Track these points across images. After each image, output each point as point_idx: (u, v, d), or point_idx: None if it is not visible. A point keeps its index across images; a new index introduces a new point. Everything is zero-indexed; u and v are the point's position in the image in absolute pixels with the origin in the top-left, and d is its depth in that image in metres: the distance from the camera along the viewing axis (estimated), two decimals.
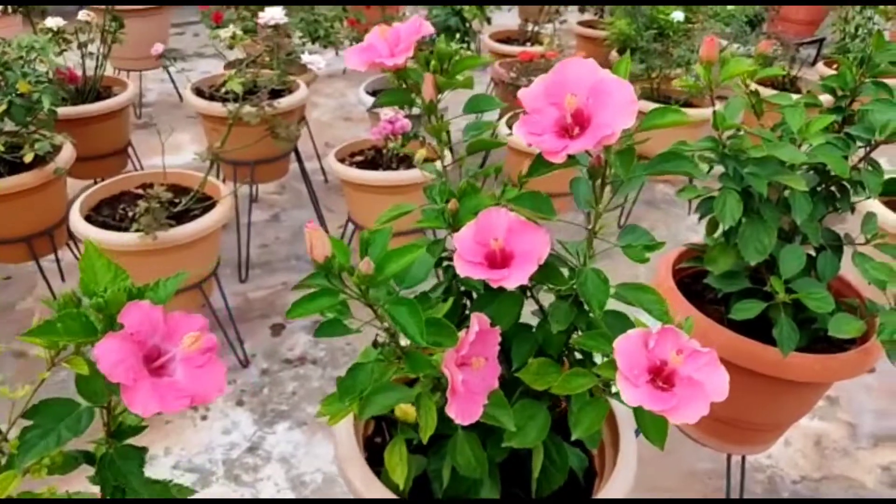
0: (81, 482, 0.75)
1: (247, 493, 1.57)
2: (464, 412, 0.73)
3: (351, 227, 2.14)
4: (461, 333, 0.72)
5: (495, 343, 0.79)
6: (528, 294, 0.90)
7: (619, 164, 0.70)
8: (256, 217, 2.63)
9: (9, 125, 1.86)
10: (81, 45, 2.34)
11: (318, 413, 0.86)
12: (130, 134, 2.51)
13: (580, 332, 0.85)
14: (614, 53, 2.86)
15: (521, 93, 0.70)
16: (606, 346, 0.76)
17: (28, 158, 1.75)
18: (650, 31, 2.42)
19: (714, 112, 1.10)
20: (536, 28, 3.32)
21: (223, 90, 1.84)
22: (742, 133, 1.12)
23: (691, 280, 1.44)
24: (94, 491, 0.72)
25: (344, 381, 0.73)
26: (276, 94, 2.07)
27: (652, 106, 1.65)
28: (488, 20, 2.58)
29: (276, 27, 1.65)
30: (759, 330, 1.20)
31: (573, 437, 0.78)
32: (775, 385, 1.24)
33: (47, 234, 1.91)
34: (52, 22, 2.27)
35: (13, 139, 1.81)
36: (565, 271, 0.84)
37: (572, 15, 3.79)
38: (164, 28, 3.46)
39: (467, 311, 0.93)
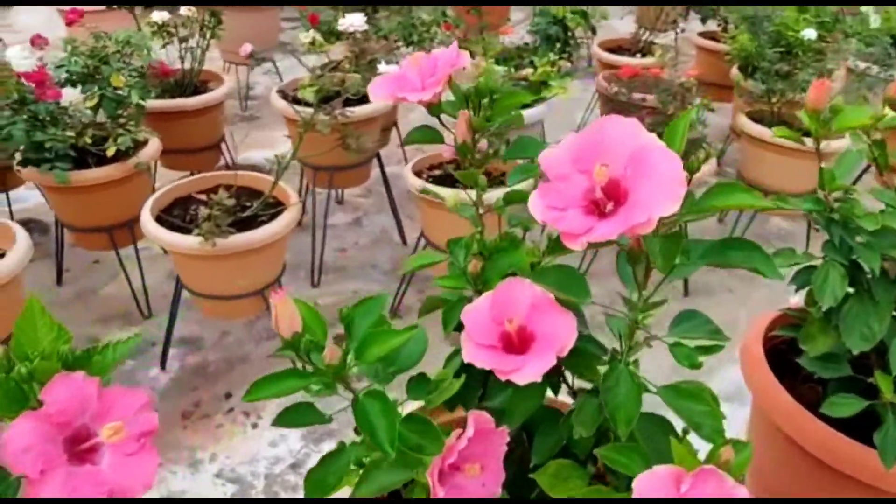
0: None
1: None
2: None
3: (423, 241, 2.05)
4: (452, 437, 0.61)
5: (500, 445, 0.66)
6: (560, 378, 0.76)
7: (658, 254, 0.55)
8: (339, 220, 2.60)
9: (101, 117, 1.91)
10: (182, 40, 2.39)
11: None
12: (233, 126, 2.54)
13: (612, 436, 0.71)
14: (735, 70, 2.60)
15: (542, 155, 0.57)
16: (638, 466, 0.62)
17: (110, 152, 1.78)
18: (775, 50, 2.16)
19: (820, 169, 0.91)
20: (651, 37, 3.09)
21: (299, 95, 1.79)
22: (854, 196, 0.92)
23: (787, 347, 1.24)
24: None
25: (313, 474, 0.63)
26: (358, 101, 2.00)
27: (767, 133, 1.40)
28: (593, 29, 2.40)
29: (354, 34, 1.58)
30: (862, 423, 1.00)
31: None
32: (878, 495, 1.03)
33: (127, 226, 1.95)
34: (158, 16, 2.33)
35: (100, 132, 1.85)
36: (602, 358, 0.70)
37: (695, 24, 3.50)
38: (275, 22, 3.52)
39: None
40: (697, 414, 0.65)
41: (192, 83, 2.42)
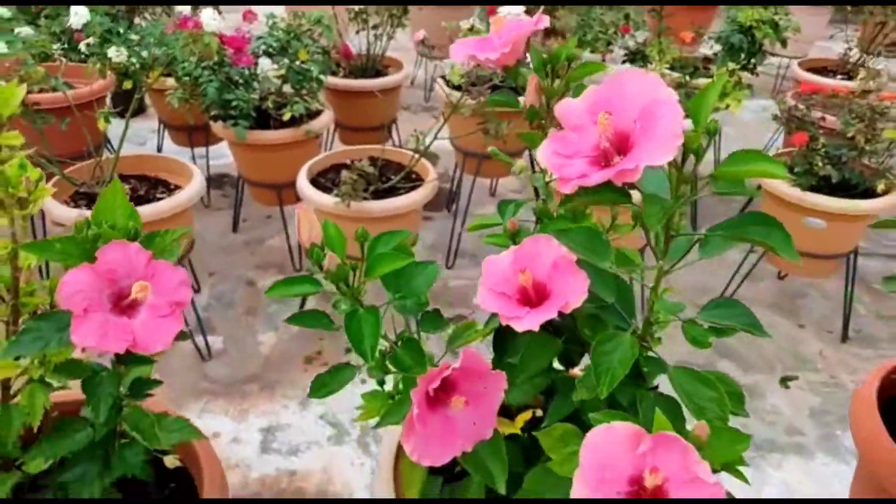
0: None
1: (367, 463, 1.61)
2: (422, 451, 0.64)
3: None
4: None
5: (496, 389, 0.67)
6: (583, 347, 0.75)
7: (650, 215, 0.53)
8: (487, 209, 2.67)
9: (287, 88, 2.15)
10: (374, 27, 2.60)
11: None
12: (415, 114, 2.70)
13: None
14: None
15: (559, 104, 0.58)
16: None
17: (285, 117, 2.00)
18: None
19: None
20: (864, 59, 2.79)
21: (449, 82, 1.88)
22: None
23: None
24: None
25: (320, 378, 0.69)
26: (514, 92, 2.05)
27: None
28: (783, 42, 2.23)
29: None
30: None
31: None
32: None
33: (293, 185, 2.16)
34: (507, 10, 2.55)
35: (281, 99, 2.08)
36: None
37: None
38: (466, 14, 3.67)
39: None
40: (704, 398, 0.61)
41: (375, 67, 2.62)
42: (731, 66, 2.18)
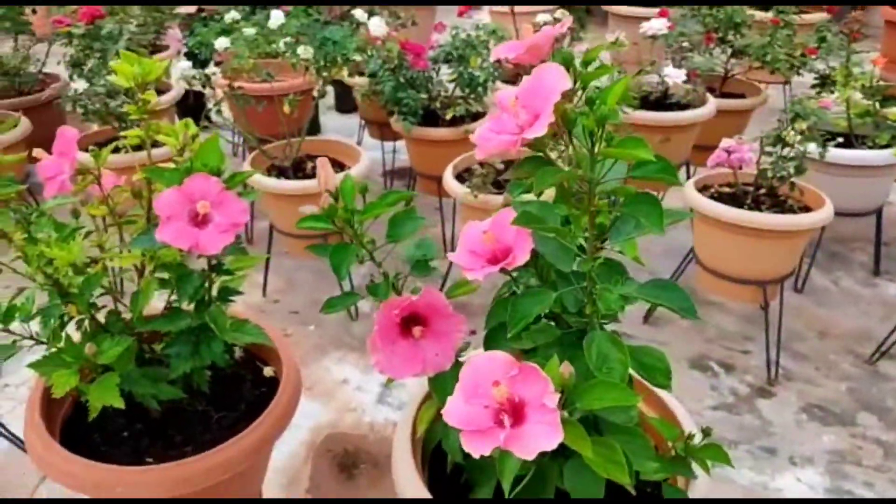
0: None
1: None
2: (385, 366, 0.80)
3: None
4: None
5: (456, 328, 0.80)
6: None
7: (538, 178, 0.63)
8: None
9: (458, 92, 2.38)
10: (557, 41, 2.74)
11: None
12: None
13: None
14: None
15: (499, 93, 0.70)
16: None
17: (447, 117, 2.23)
18: None
19: None
20: None
21: None
22: None
23: None
24: None
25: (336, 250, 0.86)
26: (680, 107, 2.06)
27: None
28: None
29: (654, 37, 1.68)
30: None
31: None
32: None
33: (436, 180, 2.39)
34: (541, 17, 2.72)
35: (450, 101, 2.32)
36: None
37: None
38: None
39: None
40: (612, 359, 0.69)
41: None
42: None
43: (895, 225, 2.63)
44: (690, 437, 0.85)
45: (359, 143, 3.19)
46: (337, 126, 3.69)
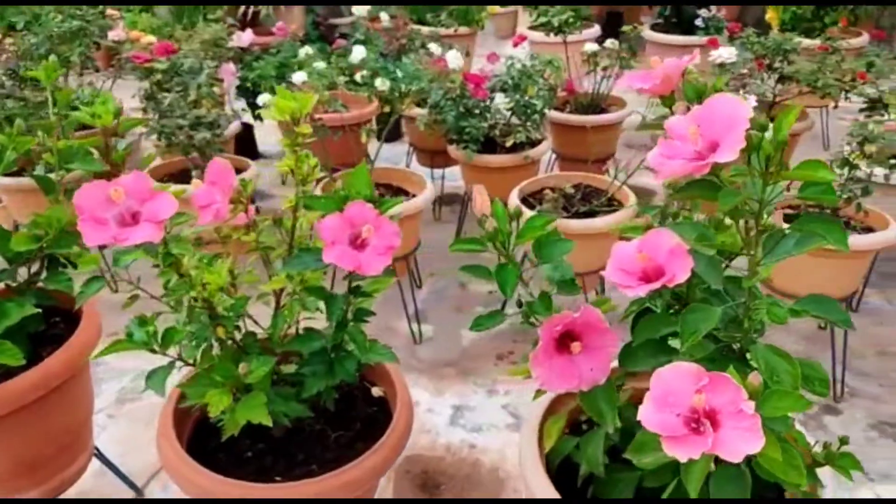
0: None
1: None
2: (545, 380, 0.84)
3: None
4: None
5: (609, 343, 0.85)
6: None
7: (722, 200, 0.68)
8: None
9: (514, 119, 2.45)
10: (603, 68, 2.82)
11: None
12: (638, 151, 2.87)
13: None
14: None
15: (668, 120, 0.76)
16: None
17: (508, 144, 2.30)
18: None
19: None
20: None
21: None
22: None
23: None
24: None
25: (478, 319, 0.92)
26: None
27: None
28: None
29: (722, 65, 1.75)
30: None
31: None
32: None
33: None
34: (589, 47, 2.80)
35: (509, 129, 2.38)
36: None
37: None
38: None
39: None
40: (780, 370, 0.74)
41: (599, 104, 2.83)
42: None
43: None
44: (827, 445, 0.89)
45: (407, 166, 3.27)
46: (385, 154, 3.77)
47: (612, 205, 2.06)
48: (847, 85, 2.37)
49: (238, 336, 1.06)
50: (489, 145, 2.39)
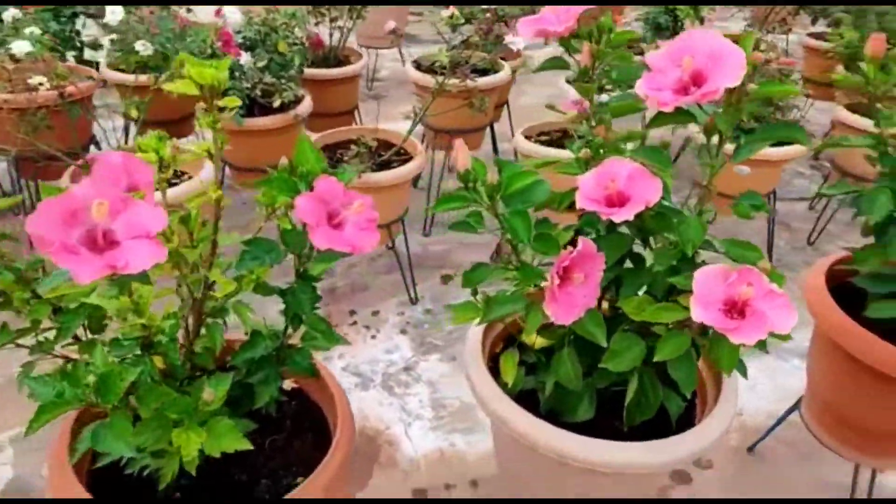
0: (273, 315, 1.01)
1: (395, 403, 1.82)
2: (559, 314, 0.88)
3: None
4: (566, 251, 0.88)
5: (598, 267, 0.92)
6: (646, 244, 1.02)
7: (722, 121, 0.80)
8: (450, 185, 2.90)
9: (267, 77, 2.29)
10: (332, 20, 2.77)
11: (452, 319, 1.05)
12: (362, 102, 2.90)
13: None
14: (840, 68, 2.72)
15: (648, 54, 0.83)
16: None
17: (276, 104, 2.16)
18: None
19: (878, 110, 1.12)
20: (760, 35, 3.23)
21: (436, 64, 2.11)
22: None
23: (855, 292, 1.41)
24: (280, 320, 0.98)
25: (468, 273, 0.91)
26: (483, 72, 2.30)
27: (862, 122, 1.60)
28: (701, 20, 2.60)
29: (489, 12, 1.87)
30: None
31: (655, 359, 0.89)
32: None
33: None
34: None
35: (268, 88, 2.23)
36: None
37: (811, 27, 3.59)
38: (404, 12, 3.89)
39: None
40: (751, 258, 0.89)
41: (336, 57, 2.80)
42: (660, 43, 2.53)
43: None
44: None
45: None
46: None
47: (402, 154, 2.10)
48: None
49: (179, 359, 0.88)
50: (251, 109, 2.21)
